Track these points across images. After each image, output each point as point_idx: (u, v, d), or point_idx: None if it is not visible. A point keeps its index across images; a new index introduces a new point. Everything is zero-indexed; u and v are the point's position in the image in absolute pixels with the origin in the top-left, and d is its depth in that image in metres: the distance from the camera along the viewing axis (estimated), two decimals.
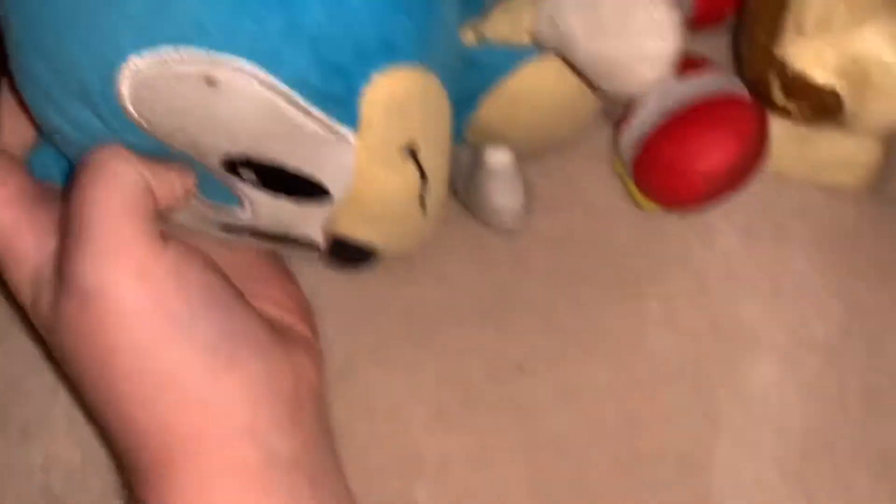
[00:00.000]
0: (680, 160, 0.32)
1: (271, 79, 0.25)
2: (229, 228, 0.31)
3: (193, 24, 0.24)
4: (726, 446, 0.33)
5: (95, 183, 0.26)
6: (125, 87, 0.25)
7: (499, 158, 0.32)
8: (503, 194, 0.33)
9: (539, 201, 0.36)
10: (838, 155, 0.35)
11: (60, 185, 0.31)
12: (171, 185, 0.28)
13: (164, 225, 0.29)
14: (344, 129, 0.27)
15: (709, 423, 0.33)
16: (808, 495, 0.33)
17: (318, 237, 0.30)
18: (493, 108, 0.32)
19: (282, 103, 0.26)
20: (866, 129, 0.33)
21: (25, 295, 0.29)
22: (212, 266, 0.28)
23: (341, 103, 0.26)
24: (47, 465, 0.34)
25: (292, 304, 0.32)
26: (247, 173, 0.28)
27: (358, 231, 0.30)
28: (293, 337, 0.30)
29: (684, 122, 0.31)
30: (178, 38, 0.25)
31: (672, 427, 0.34)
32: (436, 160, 0.29)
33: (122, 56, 0.25)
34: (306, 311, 0.32)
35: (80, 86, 0.26)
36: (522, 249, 0.36)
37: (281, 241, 0.31)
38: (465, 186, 0.34)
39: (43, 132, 0.30)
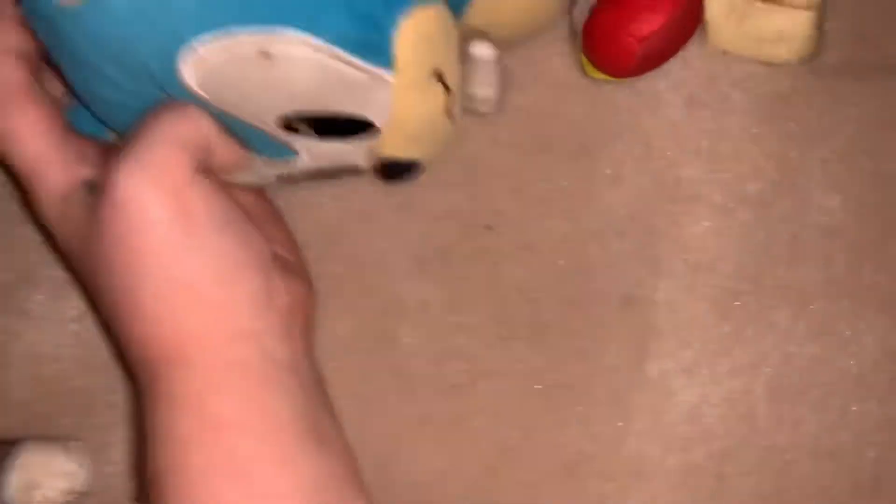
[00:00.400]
0: (617, 26, 0.35)
1: (317, 41, 0.28)
2: (285, 178, 0.34)
3: (243, 7, 0.27)
4: (667, 288, 0.38)
5: (167, 115, 0.30)
6: (189, 72, 0.28)
7: (483, 51, 0.35)
8: (484, 84, 0.36)
9: (507, 79, 0.39)
10: (774, 30, 0.39)
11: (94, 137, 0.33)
12: (229, 148, 0.31)
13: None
14: (383, 71, 0.30)
15: (651, 268, 0.38)
16: (737, 328, 0.38)
17: (365, 163, 0.33)
18: (478, 10, 0.35)
19: (329, 60, 0.28)
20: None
21: (53, 212, 0.32)
22: (234, 200, 0.31)
23: (377, 49, 0.29)
24: (80, 317, 0.40)
25: (289, 244, 0.35)
26: (303, 128, 0.31)
27: (400, 151, 0.33)
28: (291, 268, 0.33)
29: None
30: (232, 21, 0.28)
31: (619, 272, 0.38)
32: (455, 75, 0.32)
33: (184, 46, 0.28)
34: (299, 251, 0.36)
35: (142, 69, 0.29)
36: (492, 123, 0.39)
37: (329, 174, 0.34)
38: None
39: (80, 99, 0.32)
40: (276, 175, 0.34)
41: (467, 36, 0.37)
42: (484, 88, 0.37)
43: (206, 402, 0.30)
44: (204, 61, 0.28)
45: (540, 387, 0.37)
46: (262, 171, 0.33)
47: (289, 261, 0.34)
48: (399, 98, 0.30)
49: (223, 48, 0.28)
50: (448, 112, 0.32)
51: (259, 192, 0.36)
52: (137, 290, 0.30)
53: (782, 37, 0.39)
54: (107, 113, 0.32)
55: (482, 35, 0.36)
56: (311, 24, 0.28)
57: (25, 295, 0.39)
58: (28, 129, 0.31)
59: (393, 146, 0.32)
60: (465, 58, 0.36)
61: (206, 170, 0.31)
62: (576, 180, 0.39)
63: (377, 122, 0.31)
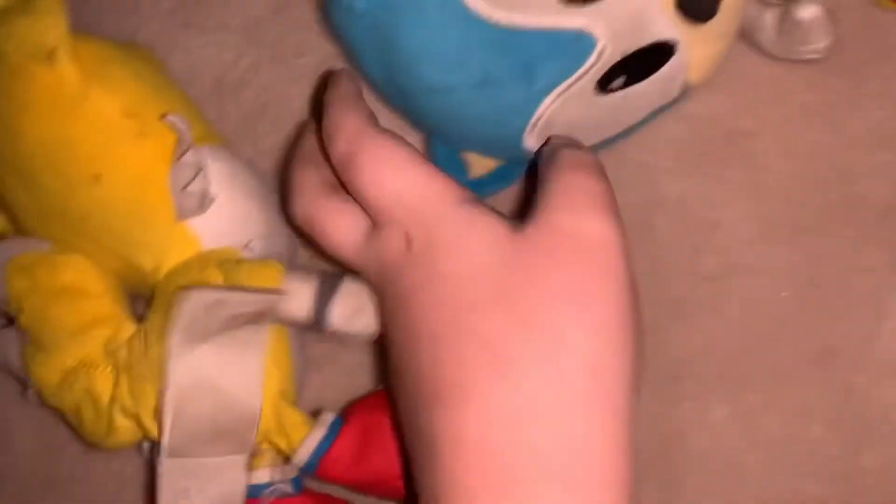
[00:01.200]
0: None
1: None
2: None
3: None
4: None
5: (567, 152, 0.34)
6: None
7: (810, 11, 0.37)
8: (819, 38, 0.37)
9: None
10: None
11: None
12: None
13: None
14: None
15: None
16: None
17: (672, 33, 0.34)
18: None
19: None
20: None
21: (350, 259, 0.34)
22: None
23: None
24: None
25: None
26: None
27: None
28: None
29: None
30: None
31: (881, 181, 0.39)
32: None
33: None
34: None
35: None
36: None
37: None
38: (767, 36, 0.38)
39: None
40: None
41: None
42: (819, 41, 0.38)
43: None
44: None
45: (794, 284, 0.39)
46: None
47: None
48: None
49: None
50: None
51: None
52: (432, 346, 0.30)
53: None
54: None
55: None
56: None
57: None
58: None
59: None
60: (793, 23, 0.37)
61: None
62: (841, 94, 0.40)
63: None
